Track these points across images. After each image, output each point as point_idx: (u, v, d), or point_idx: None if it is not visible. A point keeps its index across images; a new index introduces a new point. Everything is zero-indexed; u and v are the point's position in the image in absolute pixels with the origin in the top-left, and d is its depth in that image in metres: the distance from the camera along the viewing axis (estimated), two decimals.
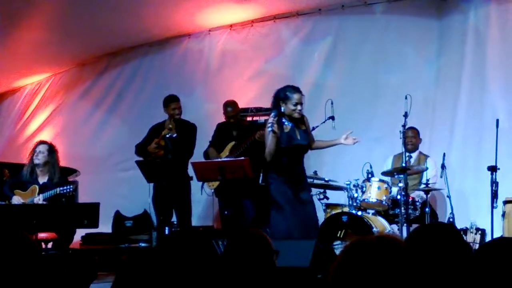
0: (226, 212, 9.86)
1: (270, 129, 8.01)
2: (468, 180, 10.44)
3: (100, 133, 12.48)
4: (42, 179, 9.51)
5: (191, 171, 9.65)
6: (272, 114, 8.13)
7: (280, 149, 8.13)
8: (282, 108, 8.14)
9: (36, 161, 9.48)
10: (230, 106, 10.34)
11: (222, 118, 10.49)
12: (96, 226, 9.91)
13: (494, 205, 8.79)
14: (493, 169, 8.81)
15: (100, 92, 12.59)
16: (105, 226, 10.81)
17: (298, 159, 8.33)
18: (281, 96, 8.18)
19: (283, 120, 8.16)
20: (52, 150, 9.59)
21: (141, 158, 10.05)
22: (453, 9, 11.07)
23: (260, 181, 9.73)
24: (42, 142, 9.72)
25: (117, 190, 11.96)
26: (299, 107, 8.12)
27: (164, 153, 9.97)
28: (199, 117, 10.94)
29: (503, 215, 9.29)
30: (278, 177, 8.21)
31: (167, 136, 9.87)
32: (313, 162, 11.03)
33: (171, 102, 10.16)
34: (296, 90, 8.15)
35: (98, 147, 12.38)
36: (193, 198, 10.25)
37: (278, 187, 8.19)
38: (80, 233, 10.63)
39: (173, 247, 4.09)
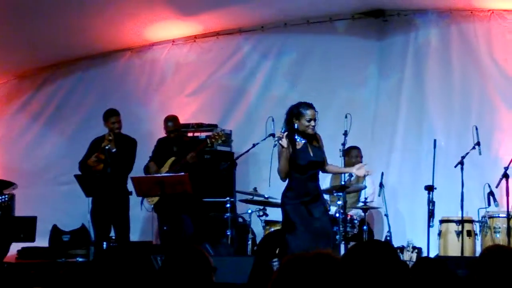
0: (165, 228, 9.81)
1: (276, 143, 7.93)
2: (406, 199, 10.56)
3: (38, 146, 12.33)
4: None
5: (130, 186, 9.60)
6: (281, 130, 8.00)
7: (295, 166, 8.00)
8: (296, 125, 7.98)
9: None
10: (170, 121, 10.31)
11: (163, 133, 10.45)
12: (33, 240, 9.81)
13: (431, 224, 8.90)
14: (430, 188, 8.92)
15: (39, 104, 12.45)
16: (42, 240, 10.69)
17: (313, 176, 8.11)
18: (294, 112, 8.04)
19: (296, 137, 8.00)
20: None
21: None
22: (394, 30, 11.22)
23: (199, 197, 9.77)
24: None
25: (55, 204, 11.83)
26: (312, 123, 7.95)
27: (103, 167, 9.89)
28: (139, 132, 10.88)
29: (439, 234, 9.43)
30: (294, 196, 8.04)
31: (106, 148, 9.79)
32: (253, 179, 11.09)
33: (110, 116, 10.10)
34: (310, 106, 8.00)
35: (35, 160, 12.23)
36: (132, 213, 10.18)
37: (295, 208, 8.01)
38: (16, 247, 10.49)
39: (111, 262, 4.06)
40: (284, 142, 7.83)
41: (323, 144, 8.23)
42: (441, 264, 4.17)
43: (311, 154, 8.00)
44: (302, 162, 7.94)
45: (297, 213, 7.95)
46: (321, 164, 8.13)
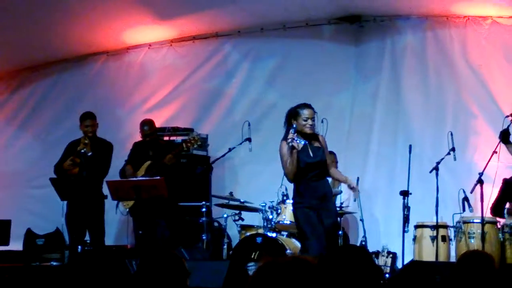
0: (140, 232, 9.77)
1: (290, 144, 7.88)
2: (381, 204, 10.60)
3: (13, 149, 12.27)
4: None
5: (106, 190, 9.56)
6: (291, 130, 7.96)
7: (298, 168, 7.98)
8: (294, 125, 8.02)
9: None
10: (146, 125, 10.28)
11: (139, 137, 10.42)
12: (7, 243, 9.75)
13: (406, 229, 8.92)
14: (405, 193, 8.95)
15: (14, 107, 12.40)
16: (16, 244, 10.62)
17: (318, 176, 8.08)
18: (292, 113, 8.13)
19: (296, 138, 7.95)
20: None
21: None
22: (370, 36, 11.26)
23: (175, 201, 9.76)
24: None
25: (29, 207, 11.78)
26: (309, 121, 8.00)
27: (79, 171, 9.85)
28: (115, 136, 10.85)
29: (414, 239, 9.45)
30: (301, 200, 8.03)
31: (82, 152, 9.75)
32: (228, 183, 11.09)
33: (84, 119, 10.05)
34: (307, 106, 8.09)
35: (10, 163, 12.17)
36: (107, 217, 10.14)
37: (302, 212, 7.98)
38: None
39: (85, 266, 4.05)
40: (296, 144, 7.86)
41: (326, 145, 8.27)
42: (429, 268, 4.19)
43: (311, 155, 8.02)
44: (301, 164, 7.97)
45: (306, 217, 7.96)
46: (322, 164, 8.10)
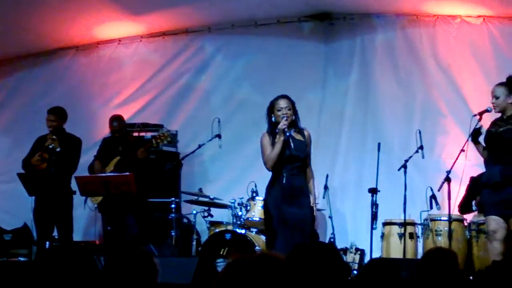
0: (108, 228, 9.75)
1: (284, 127, 7.79)
2: (349, 202, 10.65)
3: None
4: None
5: (74, 185, 9.52)
6: (284, 118, 7.87)
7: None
8: (273, 118, 7.99)
9: None
10: (115, 120, 10.24)
11: (108, 132, 10.39)
12: None
13: (374, 226, 8.97)
14: (373, 191, 8.99)
15: None
16: None
17: (296, 170, 7.95)
18: (269, 106, 8.10)
19: (277, 130, 7.89)
20: None
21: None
22: (340, 34, 11.30)
23: (144, 197, 9.73)
24: None
25: None
26: (284, 110, 7.91)
27: (47, 166, 9.80)
28: (84, 131, 10.81)
29: (382, 236, 9.51)
30: (274, 192, 7.93)
31: (50, 147, 9.71)
32: (198, 179, 11.07)
33: (47, 114, 10.02)
34: (282, 96, 8.05)
35: None
36: (76, 213, 10.10)
37: (275, 205, 7.87)
38: None
39: (53, 261, 4.03)
40: (283, 123, 7.81)
41: (311, 142, 8.17)
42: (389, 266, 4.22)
43: (291, 147, 7.89)
44: (282, 156, 7.88)
45: (276, 213, 7.84)
46: (301, 159, 7.98)
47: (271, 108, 8.04)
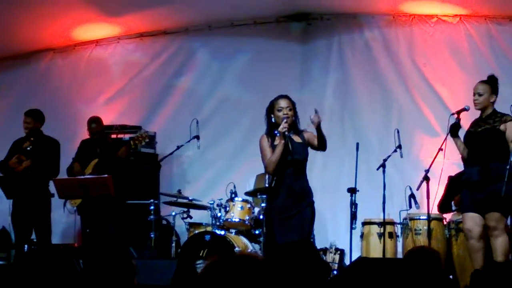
0: (87, 230, 9.71)
1: (284, 130, 7.52)
2: (329, 202, 10.64)
3: None
4: None
5: (52, 188, 9.48)
6: (284, 120, 7.58)
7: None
8: (273, 119, 7.72)
9: None
10: (94, 122, 10.21)
11: (86, 134, 10.35)
12: None
13: (353, 226, 8.97)
14: (352, 191, 8.98)
15: None
16: None
17: (295, 174, 7.70)
18: (269, 106, 7.81)
19: (276, 132, 7.65)
20: None
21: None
22: (317, 34, 11.33)
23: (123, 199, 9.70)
24: None
25: None
26: (284, 111, 7.65)
27: (24, 169, 9.75)
28: (62, 133, 10.75)
29: (362, 236, 9.52)
30: (273, 197, 7.74)
31: (28, 149, 9.66)
32: (177, 181, 11.06)
33: (24, 116, 9.98)
34: (282, 96, 7.78)
35: None
36: (55, 215, 10.05)
37: (274, 211, 7.69)
38: None
39: (32, 265, 4.01)
40: (283, 126, 7.54)
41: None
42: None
43: (291, 151, 7.64)
44: (282, 159, 7.63)
45: (276, 219, 7.66)
46: (300, 162, 7.76)
47: (271, 108, 7.77)
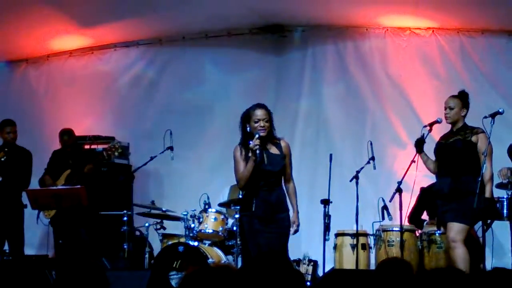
0: (60, 241, 9.67)
1: (256, 149, 7.18)
2: (302, 213, 10.59)
3: None
4: None
5: (25, 199, 9.43)
6: (256, 135, 7.25)
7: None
8: (248, 128, 7.39)
9: None
10: (66, 134, 10.18)
11: (58, 145, 10.31)
12: None
13: (326, 237, 8.98)
14: (325, 202, 8.99)
15: None
16: None
17: (270, 185, 7.42)
18: (245, 115, 7.47)
19: (250, 142, 7.27)
20: None
21: None
22: (292, 46, 11.38)
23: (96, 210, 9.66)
24: None
25: None
26: (261, 123, 7.32)
27: None
28: (35, 144, 10.71)
29: (335, 247, 9.54)
30: (248, 209, 7.42)
31: (2, 160, 9.60)
32: (152, 192, 11.04)
33: (5, 126, 9.92)
34: (259, 106, 7.45)
35: None
36: (28, 226, 9.99)
37: (248, 224, 7.44)
38: None
39: (4, 276, 3.99)
40: (254, 143, 7.20)
41: (290, 153, 7.65)
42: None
43: (265, 162, 7.38)
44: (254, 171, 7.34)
45: (250, 233, 7.44)
46: (275, 174, 7.45)
47: (246, 118, 7.44)
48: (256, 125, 7.36)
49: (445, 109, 8.02)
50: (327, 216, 8.94)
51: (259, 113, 7.40)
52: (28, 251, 10.34)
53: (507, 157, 8.44)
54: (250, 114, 7.43)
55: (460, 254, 7.69)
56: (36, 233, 10.82)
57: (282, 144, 7.57)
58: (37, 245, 11.14)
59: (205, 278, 2.68)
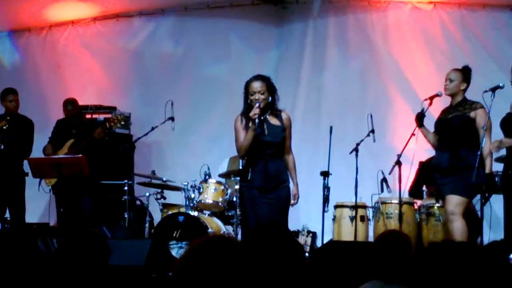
0: (61, 210, 9.73)
1: (255, 118, 7.15)
2: (302, 185, 10.64)
3: None
4: None
5: (27, 167, 9.48)
6: (257, 104, 7.22)
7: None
8: (249, 100, 7.35)
9: None
10: (69, 104, 10.20)
11: (61, 115, 10.33)
12: None
13: (325, 209, 9.03)
14: (325, 174, 9.03)
15: None
16: None
17: (270, 156, 7.40)
18: (245, 86, 7.42)
19: (257, 115, 7.21)
20: None
21: None
22: (293, 17, 11.38)
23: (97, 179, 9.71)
24: None
25: None
26: (256, 95, 7.26)
27: None
28: (38, 114, 10.74)
29: (334, 219, 9.61)
30: (248, 179, 7.40)
31: (4, 128, 9.63)
32: (153, 162, 11.08)
33: (7, 94, 9.92)
34: (256, 78, 7.40)
35: None
36: (30, 194, 10.03)
37: (248, 193, 7.41)
38: None
39: (5, 243, 4.04)
40: (254, 112, 7.19)
41: (291, 125, 7.62)
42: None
43: (265, 133, 7.36)
44: (254, 141, 7.32)
45: (250, 203, 7.41)
46: (275, 144, 7.42)
47: (246, 89, 7.42)
48: (252, 97, 7.34)
49: (446, 80, 8.04)
50: (326, 188, 8.97)
51: (255, 85, 7.36)
52: (31, 219, 10.39)
53: None
54: (248, 86, 7.41)
55: (458, 227, 7.73)
56: (38, 201, 10.86)
57: (283, 116, 7.54)
58: (39, 214, 11.18)
59: (210, 250, 2.72)
